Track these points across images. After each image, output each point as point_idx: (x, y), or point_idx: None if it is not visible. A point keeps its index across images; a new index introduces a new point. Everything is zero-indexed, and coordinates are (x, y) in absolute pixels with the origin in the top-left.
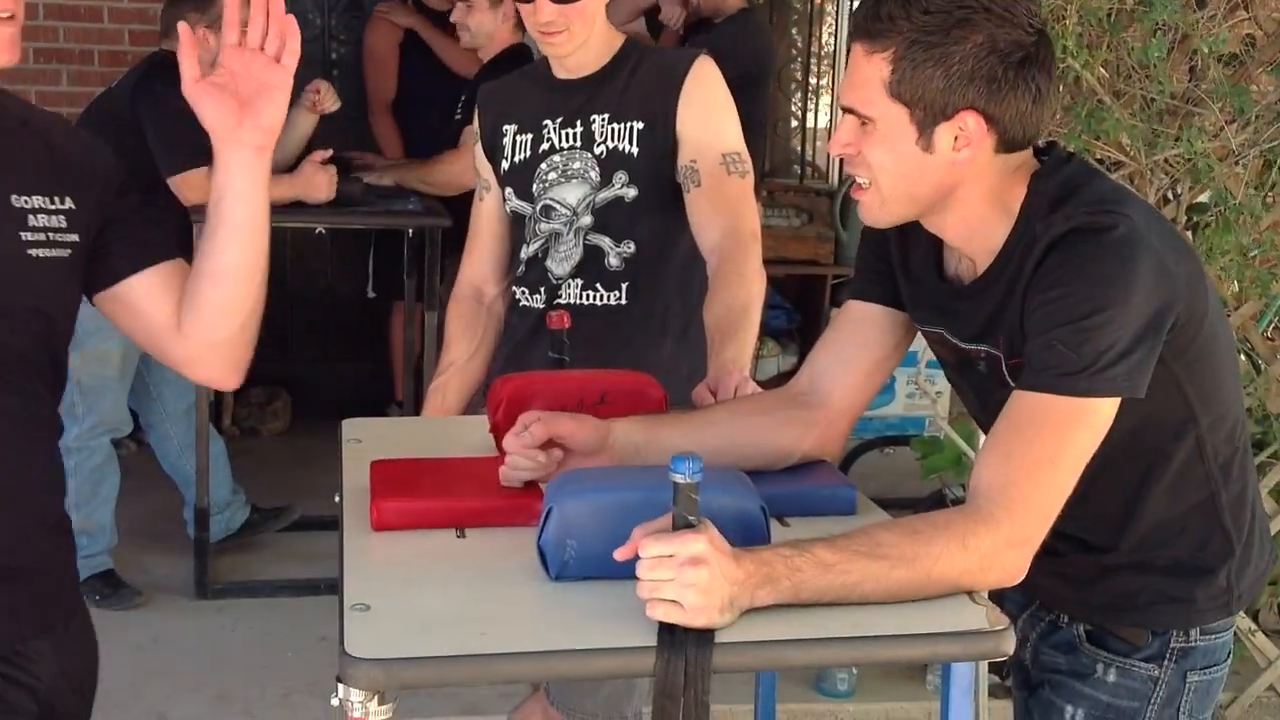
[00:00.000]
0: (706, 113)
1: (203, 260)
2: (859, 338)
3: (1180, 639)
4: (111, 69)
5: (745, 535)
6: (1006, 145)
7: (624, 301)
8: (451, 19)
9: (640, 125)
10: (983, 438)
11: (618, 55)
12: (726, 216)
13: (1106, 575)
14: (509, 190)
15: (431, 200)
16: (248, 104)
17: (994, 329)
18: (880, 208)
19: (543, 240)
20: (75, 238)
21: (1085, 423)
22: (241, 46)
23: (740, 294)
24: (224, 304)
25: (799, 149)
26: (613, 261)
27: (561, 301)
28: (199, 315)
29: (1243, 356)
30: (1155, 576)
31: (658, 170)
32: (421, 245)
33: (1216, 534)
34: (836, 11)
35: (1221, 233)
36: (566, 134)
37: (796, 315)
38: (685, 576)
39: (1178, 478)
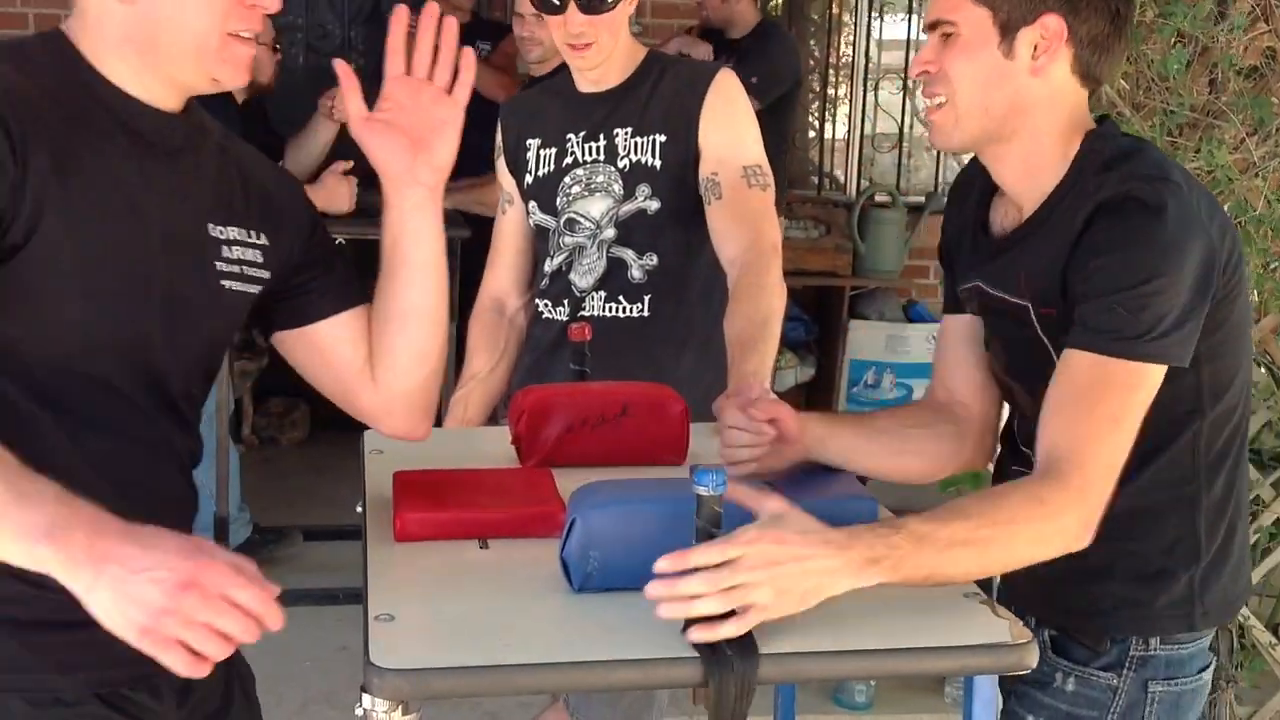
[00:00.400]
0: (728, 125)
1: (386, 303)
2: (972, 352)
3: (1139, 647)
4: None
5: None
6: (1081, 68)
7: (646, 314)
8: (517, 33)
9: (663, 138)
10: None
11: (640, 68)
12: (747, 229)
13: (1074, 574)
14: (533, 204)
15: (451, 211)
16: (420, 141)
17: (1027, 277)
18: (954, 126)
19: (566, 253)
20: (267, 275)
21: (1142, 386)
22: (408, 76)
23: (761, 306)
24: (412, 348)
25: (817, 161)
26: (635, 274)
27: (585, 314)
28: (389, 361)
29: (1263, 370)
30: (1118, 582)
31: (680, 183)
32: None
33: (1187, 536)
34: (854, 22)
35: (1242, 245)
36: (590, 147)
37: (814, 327)
38: (757, 575)
39: (1166, 468)
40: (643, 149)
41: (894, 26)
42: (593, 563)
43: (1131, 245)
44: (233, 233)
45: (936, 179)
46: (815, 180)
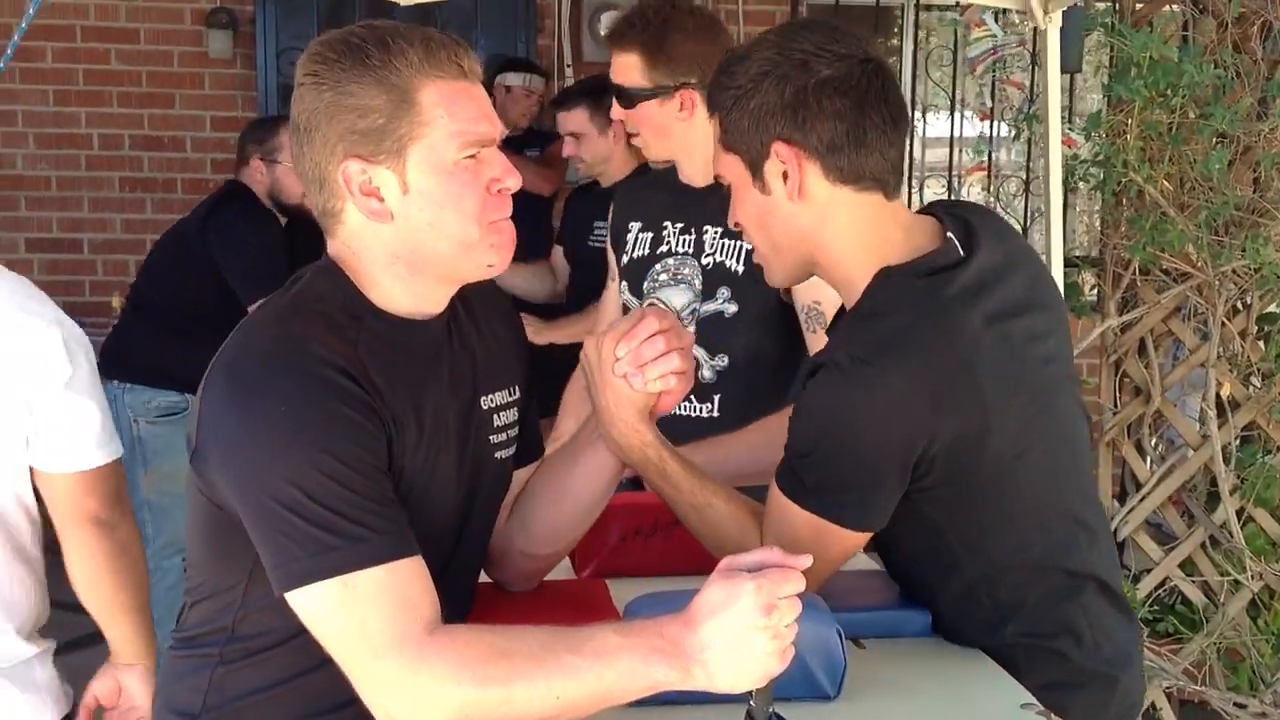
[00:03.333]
0: None
1: (558, 483)
2: None
3: None
4: (194, 196)
5: (824, 658)
6: (837, 175)
7: (716, 414)
8: (565, 154)
9: (750, 245)
10: None
11: None
12: None
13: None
14: (624, 284)
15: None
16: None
17: None
18: (769, 268)
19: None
20: (518, 428)
21: (824, 540)
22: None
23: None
24: (571, 533)
25: None
26: (705, 374)
27: None
28: (531, 531)
29: None
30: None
31: (761, 291)
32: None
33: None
34: None
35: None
36: (682, 239)
37: None
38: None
39: (961, 607)
40: (728, 251)
41: (937, 125)
42: None
43: (807, 411)
44: (499, 398)
45: None
46: None
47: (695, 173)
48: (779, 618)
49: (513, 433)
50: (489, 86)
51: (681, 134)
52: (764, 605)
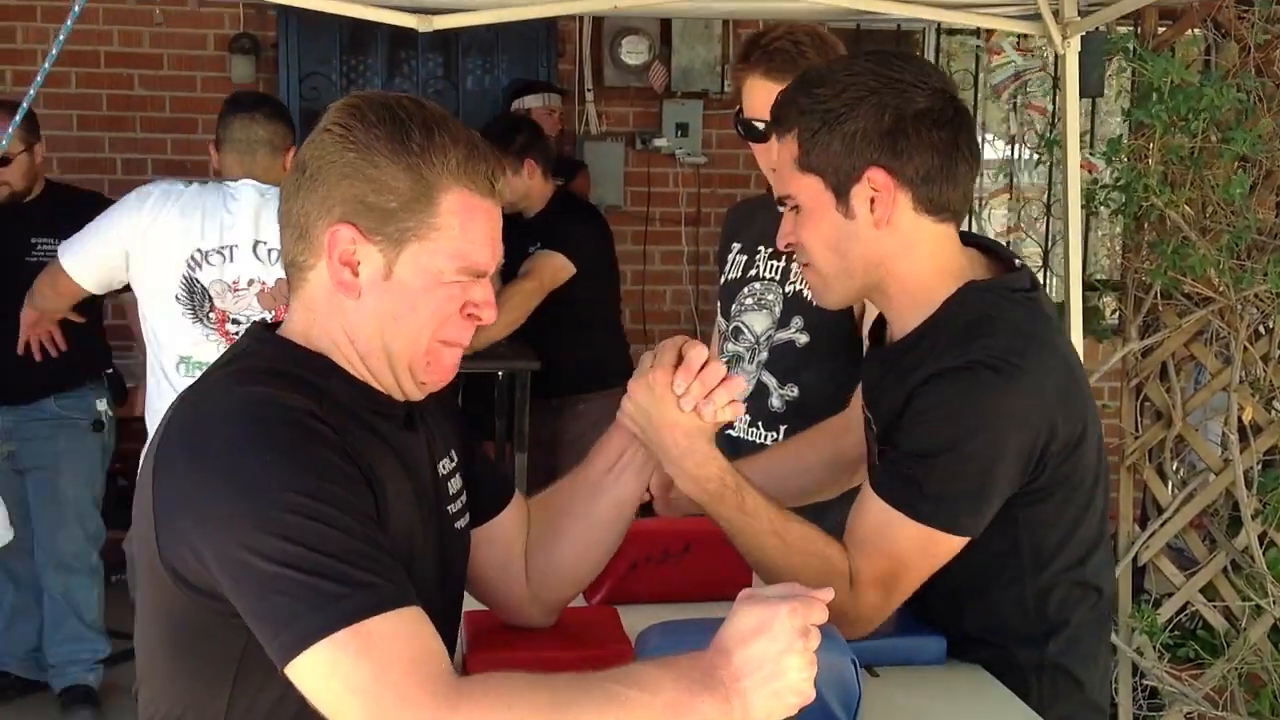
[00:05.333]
0: None
1: (582, 519)
2: None
3: None
4: None
5: (839, 688)
6: (924, 205)
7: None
8: None
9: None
10: None
11: None
12: None
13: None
14: (719, 303)
15: (520, 345)
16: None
17: (881, 400)
18: (826, 290)
19: (727, 360)
20: (466, 493)
21: (925, 550)
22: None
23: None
24: (588, 567)
25: None
26: (775, 402)
27: (732, 432)
28: (557, 570)
29: None
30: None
31: (834, 323)
32: (511, 388)
33: (1029, 692)
34: None
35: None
36: (771, 265)
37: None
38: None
39: (995, 616)
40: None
41: (994, 149)
42: None
43: (946, 414)
44: (446, 465)
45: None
46: None
47: None
48: (812, 642)
49: (463, 500)
50: (506, 111)
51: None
52: (800, 628)
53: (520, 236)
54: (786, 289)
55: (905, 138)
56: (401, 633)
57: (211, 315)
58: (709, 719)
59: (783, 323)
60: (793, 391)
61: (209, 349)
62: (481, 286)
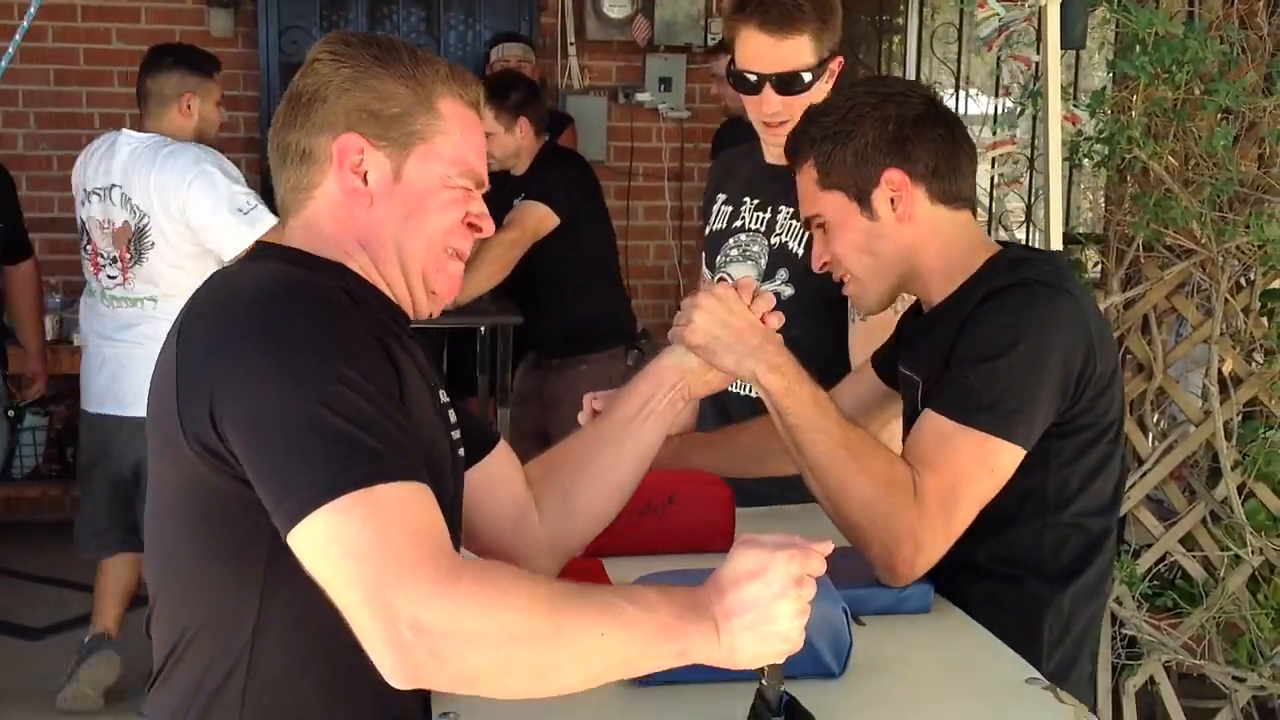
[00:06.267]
0: None
1: (603, 461)
2: (855, 389)
3: None
4: None
5: (830, 636)
6: (939, 196)
7: None
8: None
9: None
10: None
11: None
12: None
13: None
14: (705, 255)
15: (504, 300)
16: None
17: (926, 357)
18: (866, 293)
19: None
20: (458, 429)
21: (984, 459)
22: None
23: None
24: (605, 514)
25: None
26: None
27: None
28: (574, 514)
29: None
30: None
31: (818, 278)
32: (494, 343)
33: (1033, 634)
34: None
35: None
36: (757, 216)
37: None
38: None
39: (1008, 547)
40: (794, 233)
41: (977, 103)
42: None
43: (1002, 320)
44: (444, 394)
45: None
46: None
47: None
48: (805, 593)
49: (457, 434)
50: (485, 67)
51: None
52: (795, 575)
53: (508, 193)
54: (772, 240)
55: (910, 140)
56: (410, 503)
57: (89, 248)
58: (696, 648)
59: (768, 274)
60: None
61: (93, 282)
62: (478, 201)
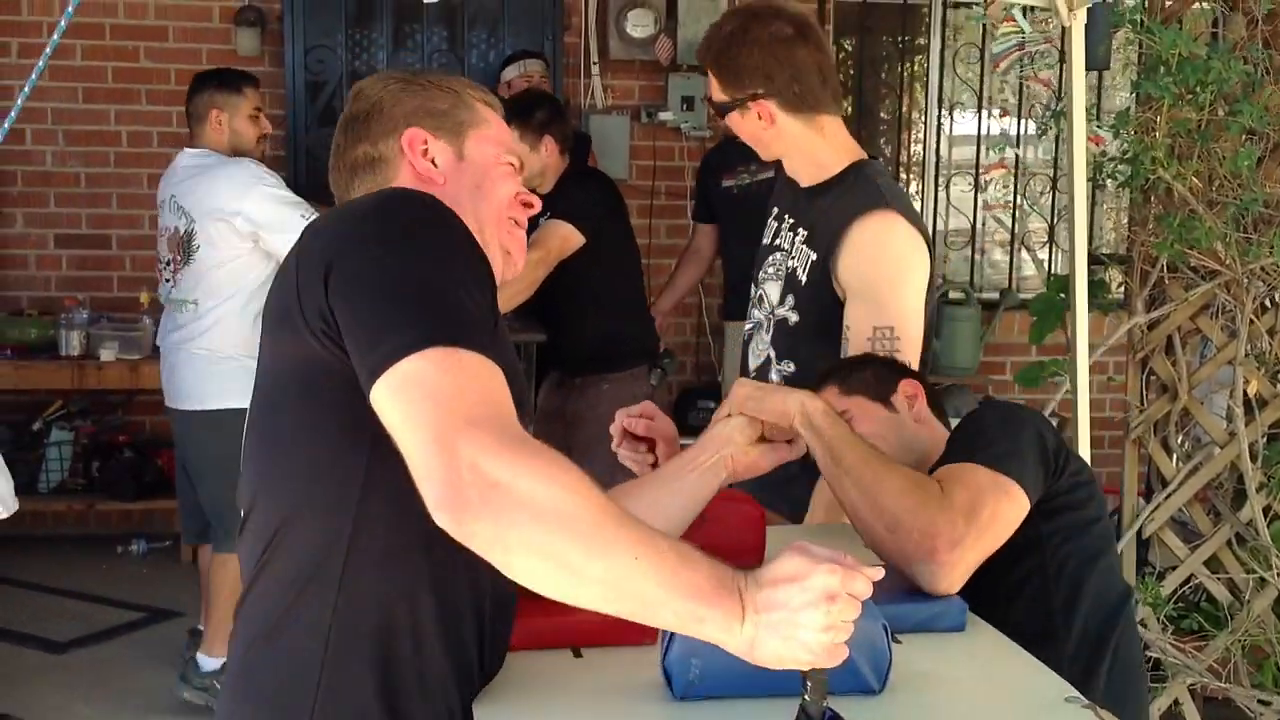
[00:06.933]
0: (868, 274)
1: (646, 506)
2: None
3: None
4: None
5: (870, 652)
6: (933, 409)
7: None
8: None
9: (814, 256)
10: None
11: (837, 177)
12: None
13: None
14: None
15: (529, 318)
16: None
17: None
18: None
19: (751, 325)
20: None
21: (999, 488)
22: None
23: None
24: None
25: None
26: (774, 377)
27: None
28: None
29: None
30: None
31: (818, 303)
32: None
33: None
34: (924, 120)
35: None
36: (788, 236)
37: None
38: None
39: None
40: (801, 258)
41: (964, 123)
42: (695, 670)
43: (965, 422)
44: None
45: (1010, 276)
46: None
47: (798, 174)
48: (839, 610)
49: None
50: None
51: (772, 140)
52: (831, 591)
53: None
54: (790, 264)
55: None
56: (486, 373)
57: (160, 255)
58: (715, 623)
59: (782, 299)
60: (789, 367)
61: (162, 287)
62: (520, 184)
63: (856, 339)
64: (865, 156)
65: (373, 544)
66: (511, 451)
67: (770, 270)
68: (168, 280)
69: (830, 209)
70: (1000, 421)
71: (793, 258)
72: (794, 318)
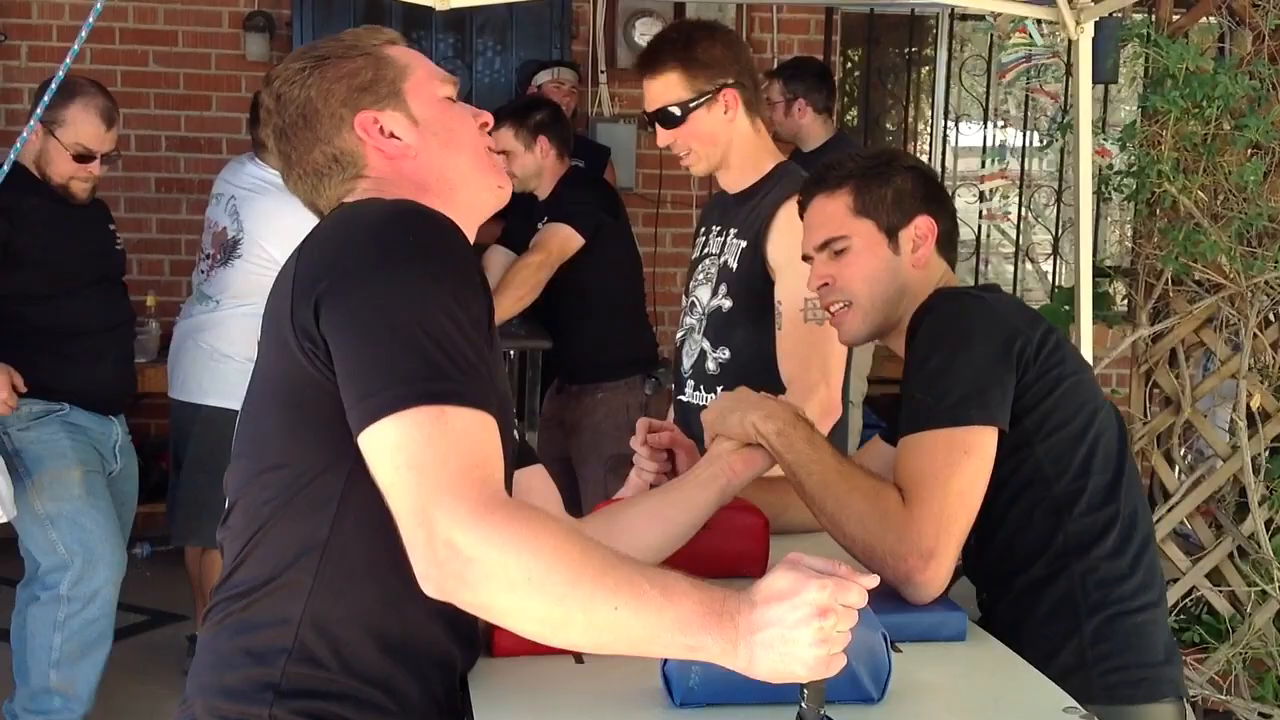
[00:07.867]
0: (796, 248)
1: (650, 510)
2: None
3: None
4: None
5: (870, 662)
6: (945, 256)
7: None
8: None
9: (743, 244)
10: None
11: (765, 177)
12: (795, 364)
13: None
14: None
15: (533, 324)
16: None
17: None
18: (861, 320)
19: (684, 332)
20: None
21: (959, 448)
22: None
23: None
24: (644, 544)
25: None
26: (710, 366)
27: (683, 397)
28: (612, 543)
29: None
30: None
31: (750, 287)
32: (523, 367)
33: (1064, 610)
34: (930, 131)
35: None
36: (717, 241)
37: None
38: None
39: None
40: (732, 250)
41: (970, 135)
42: (694, 677)
43: (923, 337)
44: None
45: (1015, 288)
46: None
47: (732, 179)
48: (833, 623)
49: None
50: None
51: (727, 137)
52: (822, 606)
53: (533, 217)
54: (721, 260)
55: (939, 200)
56: (474, 430)
57: (202, 242)
58: (710, 649)
59: (715, 290)
60: (724, 354)
61: (195, 275)
62: (466, 106)
63: (790, 311)
64: (785, 159)
65: (344, 560)
66: (488, 523)
67: (700, 277)
68: (202, 272)
69: (760, 204)
70: (949, 354)
71: (723, 255)
72: (727, 304)
